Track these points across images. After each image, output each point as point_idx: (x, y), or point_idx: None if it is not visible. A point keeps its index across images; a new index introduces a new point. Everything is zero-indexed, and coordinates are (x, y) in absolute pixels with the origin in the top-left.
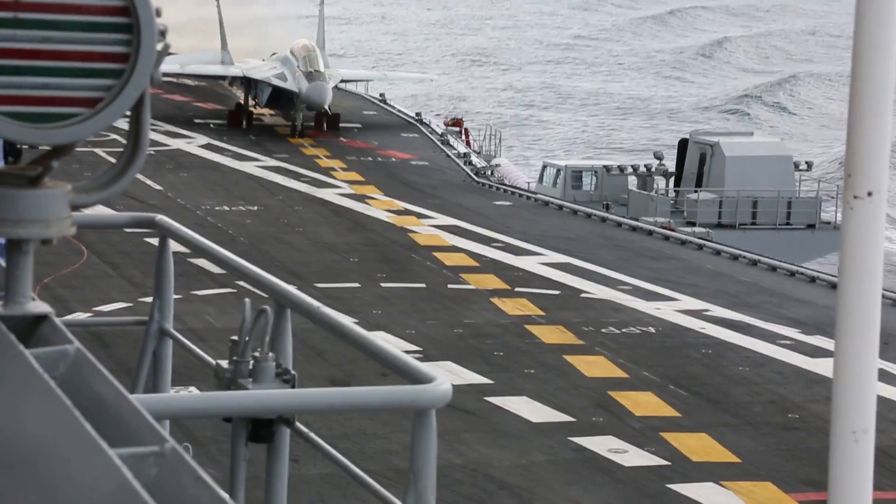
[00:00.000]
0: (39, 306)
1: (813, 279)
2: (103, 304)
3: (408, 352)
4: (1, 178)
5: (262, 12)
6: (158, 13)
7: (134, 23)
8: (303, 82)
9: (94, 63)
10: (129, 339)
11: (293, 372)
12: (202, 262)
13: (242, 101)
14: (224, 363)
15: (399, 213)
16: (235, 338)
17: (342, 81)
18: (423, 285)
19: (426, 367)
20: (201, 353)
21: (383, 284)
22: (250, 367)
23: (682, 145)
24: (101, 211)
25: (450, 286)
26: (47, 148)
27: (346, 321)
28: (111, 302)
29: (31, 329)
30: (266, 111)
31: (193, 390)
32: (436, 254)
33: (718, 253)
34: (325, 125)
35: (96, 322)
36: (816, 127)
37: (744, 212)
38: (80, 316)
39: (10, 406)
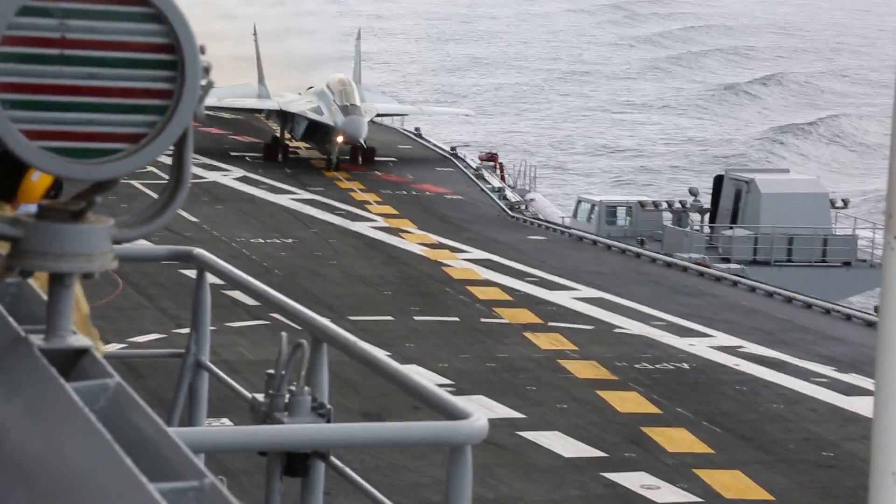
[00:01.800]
0: (80, 340)
1: (849, 317)
2: (138, 336)
3: (440, 385)
4: (44, 213)
5: (300, 48)
6: (202, 50)
7: (178, 60)
8: (339, 116)
9: (139, 99)
10: (162, 371)
11: (329, 406)
12: (236, 294)
13: (278, 135)
14: (260, 397)
15: (433, 246)
16: (272, 371)
17: (378, 115)
18: (457, 319)
19: (463, 403)
20: (237, 386)
21: (417, 318)
22: (286, 400)
23: (718, 181)
24: (139, 243)
25: (483, 320)
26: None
27: (383, 356)
28: (146, 333)
29: (71, 362)
30: (302, 144)
31: (226, 422)
32: (469, 287)
33: (753, 290)
34: (360, 159)
35: (133, 354)
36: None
37: (779, 249)
38: (115, 347)
39: (50, 439)
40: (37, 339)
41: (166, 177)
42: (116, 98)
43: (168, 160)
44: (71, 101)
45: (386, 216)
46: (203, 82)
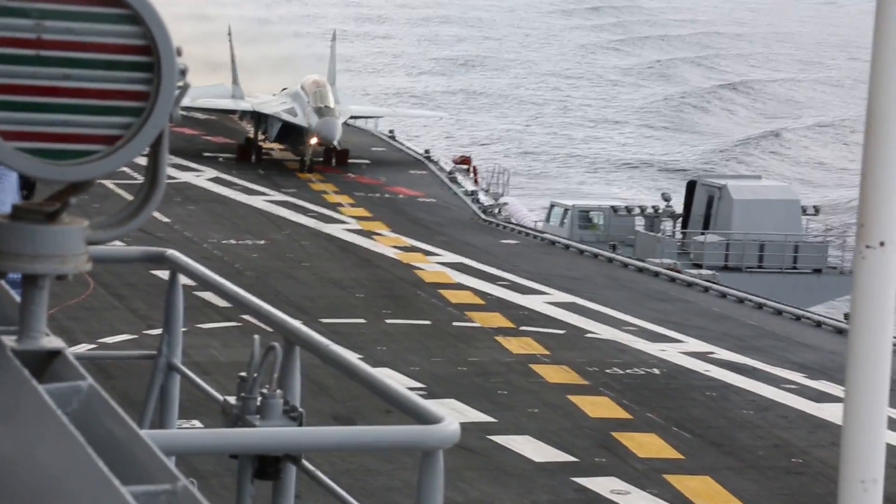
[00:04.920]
0: (53, 342)
1: (819, 324)
2: (108, 336)
3: (412, 389)
4: (19, 214)
5: (274, 49)
6: (179, 52)
7: (154, 62)
8: (313, 118)
9: (114, 101)
10: (132, 372)
11: (301, 409)
12: (207, 296)
13: (252, 136)
14: (232, 399)
15: (406, 249)
16: (244, 374)
17: (352, 117)
18: (429, 322)
19: (435, 407)
20: (209, 388)
21: (388, 321)
22: (258, 403)
23: (690, 187)
24: (111, 244)
25: (455, 323)
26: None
27: (356, 360)
28: (116, 334)
29: (44, 364)
30: (275, 146)
31: (196, 424)
32: (441, 291)
33: (724, 296)
34: (333, 161)
35: (105, 356)
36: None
37: (750, 255)
38: (86, 347)
39: (23, 441)
40: (9, 341)
41: (140, 177)
42: (92, 99)
43: (142, 160)
44: (46, 101)
45: (359, 218)
46: (179, 84)
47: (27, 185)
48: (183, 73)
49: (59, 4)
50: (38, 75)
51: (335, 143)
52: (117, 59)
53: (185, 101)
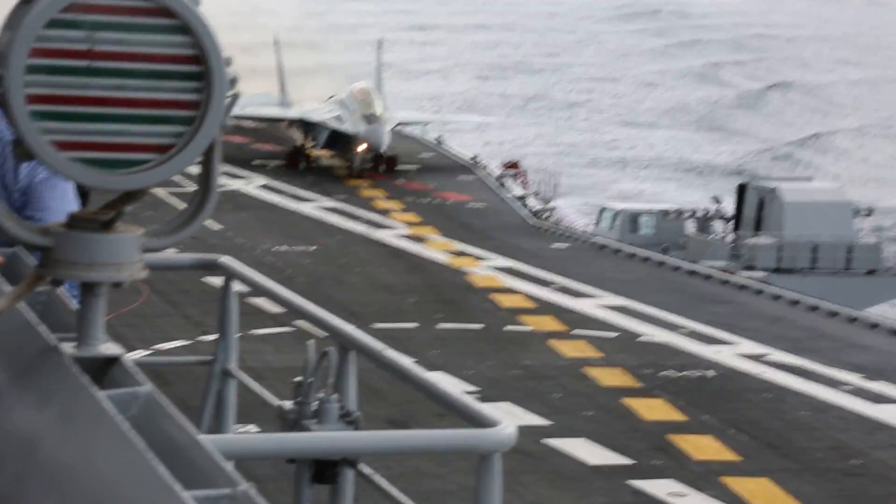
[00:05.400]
0: (111, 348)
1: (875, 325)
2: (163, 343)
3: (466, 392)
4: (75, 223)
5: (319, 57)
6: (228, 62)
7: (205, 71)
8: (360, 125)
9: (166, 110)
10: (187, 378)
11: (357, 413)
12: (260, 301)
13: (300, 143)
14: (288, 404)
15: (456, 254)
16: (299, 379)
17: (399, 124)
18: (481, 326)
19: (491, 411)
20: (266, 393)
21: (440, 325)
22: (314, 408)
23: (741, 190)
24: (165, 251)
25: (507, 327)
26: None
27: (412, 365)
28: (171, 340)
29: (103, 370)
30: (324, 153)
31: (252, 429)
32: (492, 295)
33: (778, 297)
34: (382, 167)
35: (161, 362)
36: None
37: (803, 256)
38: (141, 354)
39: (83, 447)
40: (68, 348)
41: (191, 185)
42: (144, 109)
43: (192, 168)
44: (99, 112)
45: (409, 224)
46: (230, 93)
47: (82, 193)
48: (233, 82)
49: (110, 16)
50: (91, 86)
51: (383, 149)
52: (168, 69)
53: (234, 110)
